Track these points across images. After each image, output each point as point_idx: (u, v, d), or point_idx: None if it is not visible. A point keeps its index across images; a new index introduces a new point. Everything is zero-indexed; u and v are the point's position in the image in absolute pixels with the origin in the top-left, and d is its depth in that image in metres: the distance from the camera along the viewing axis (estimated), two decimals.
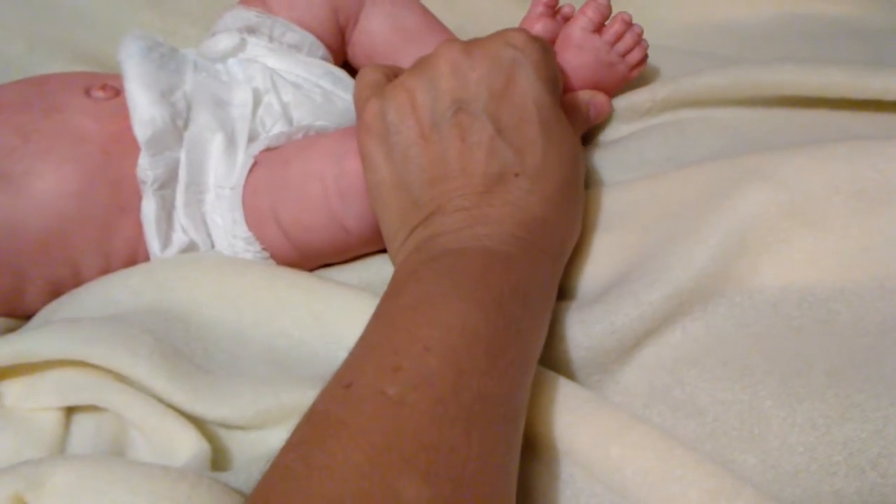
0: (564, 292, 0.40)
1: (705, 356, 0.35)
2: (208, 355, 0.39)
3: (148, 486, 0.29)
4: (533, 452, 0.34)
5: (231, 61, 0.50)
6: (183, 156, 0.44)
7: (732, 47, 0.57)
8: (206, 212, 0.45)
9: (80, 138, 0.44)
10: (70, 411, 0.36)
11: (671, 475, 0.31)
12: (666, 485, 0.31)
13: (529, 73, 0.39)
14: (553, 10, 0.51)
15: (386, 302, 0.34)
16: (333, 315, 0.40)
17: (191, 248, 0.44)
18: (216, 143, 0.45)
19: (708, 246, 0.37)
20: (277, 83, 0.48)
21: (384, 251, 0.45)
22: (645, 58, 0.50)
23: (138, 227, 0.44)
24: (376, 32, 0.53)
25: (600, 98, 0.48)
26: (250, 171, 0.44)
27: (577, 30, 0.48)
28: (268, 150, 0.45)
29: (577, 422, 0.33)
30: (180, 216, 0.44)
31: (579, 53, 0.48)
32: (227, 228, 0.44)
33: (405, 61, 0.45)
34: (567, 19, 0.50)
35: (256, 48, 0.51)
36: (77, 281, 0.44)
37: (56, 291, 0.44)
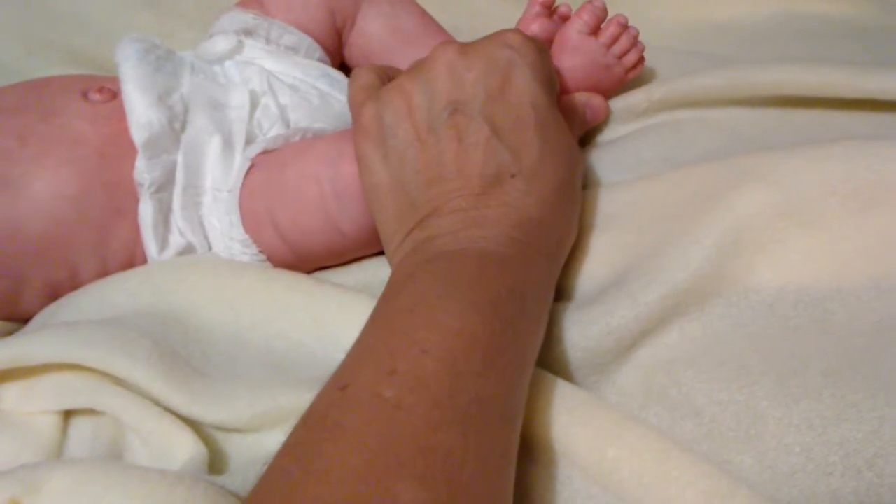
0: (561, 293, 0.40)
1: (702, 356, 0.35)
2: (206, 358, 0.39)
3: (144, 490, 0.29)
4: (530, 454, 0.34)
5: (228, 63, 0.50)
6: (180, 158, 0.44)
7: (729, 47, 0.57)
8: (203, 214, 0.45)
9: (76, 141, 0.44)
10: (67, 415, 0.36)
11: (667, 476, 0.31)
12: (662, 486, 0.31)
13: (526, 74, 0.39)
14: (549, 10, 0.51)
15: (382, 304, 0.34)
16: (331, 317, 0.40)
17: (188, 250, 0.44)
18: (213, 146, 0.45)
19: (704, 246, 0.37)
20: (274, 85, 0.48)
21: (380, 254, 0.45)
22: (641, 60, 0.50)
23: (135, 229, 0.44)
24: (373, 34, 0.53)
25: (597, 100, 0.48)
26: (247, 173, 0.44)
27: (573, 32, 0.48)
28: (265, 152, 0.45)
29: (574, 423, 0.33)
30: (177, 219, 0.44)
31: (575, 56, 0.48)
32: (224, 231, 0.44)
33: (402, 63, 0.45)
34: (564, 19, 0.50)
35: (253, 50, 0.51)
36: (74, 284, 0.44)
37: (53, 294, 0.44)
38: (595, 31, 0.49)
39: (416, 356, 0.30)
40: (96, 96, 0.46)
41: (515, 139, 0.38)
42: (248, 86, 0.48)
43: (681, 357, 0.36)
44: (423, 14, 0.54)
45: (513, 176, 0.37)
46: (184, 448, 0.34)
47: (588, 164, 0.46)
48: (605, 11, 0.49)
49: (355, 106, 0.41)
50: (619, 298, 0.36)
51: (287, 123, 0.48)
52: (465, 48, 0.40)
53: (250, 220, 0.44)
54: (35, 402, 0.36)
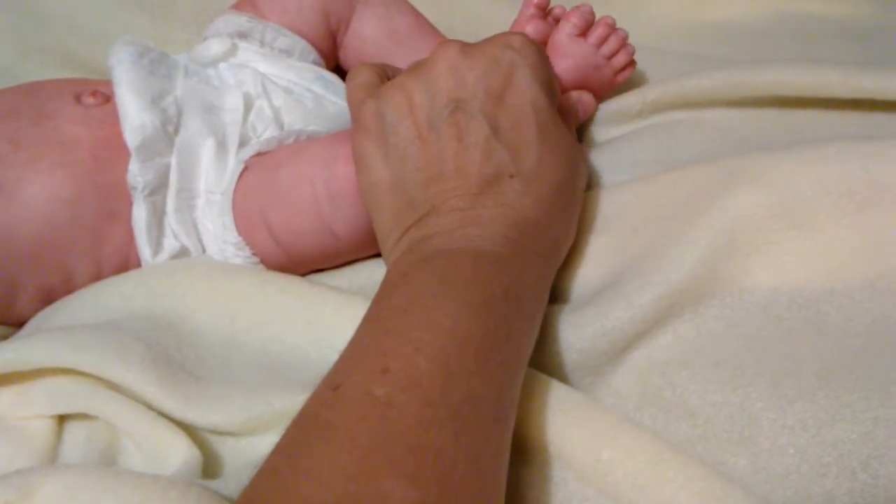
0: (555, 294, 0.40)
1: (696, 358, 0.35)
2: (200, 361, 0.39)
3: (137, 496, 0.29)
4: (525, 455, 0.34)
5: (222, 66, 0.50)
6: (173, 161, 0.44)
7: (725, 47, 0.57)
8: (196, 217, 0.45)
9: (70, 145, 0.44)
10: (62, 419, 0.36)
11: (662, 478, 0.31)
12: (657, 488, 0.31)
13: (527, 76, 0.39)
14: (544, 12, 0.51)
15: (377, 304, 0.34)
16: (325, 319, 0.40)
17: (182, 253, 0.44)
18: (207, 149, 0.45)
19: (698, 248, 0.37)
20: (268, 88, 0.48)
21: (375, 256, 0.45)
22: (632, 62, 0.50)
23: (129, 233, 0.44)
24: (368, 36, 0.53)
25: (587, 97, 0.49)
26: (241, 176, 0.44)
27: (563, 36, 0.49)
28: (259, 154, 0.45)
29: (568, 425, 0.33)
30: (171, 222, 0.44)
31: (566, 59, 0.49)
32: (218, 234, 0.44)
33: (397, 64, 0.45)
34: (558, 20, 0.51)
35: (248, 53, 0.50)
36: (69, 288, 0.44)
37: (48, 298, 0.44)
38: (584, 33, 0.49)
39: (408, 355, 0.29)
40: (90, 100, 0.46)
41: (515, 140, 0.38)
42: (241, 88, 0.48)
43: (675, 358, 0.36)
44: (418, 16, 0.54)
45: (511, 176, 0.37)
46: (178, 452, 0.34)
47: None
48: (592, 14, 0.49)
49: (355, 103, 0.41)
50: (613, 300, 0.36)
51: (281, 126, 0.48)
52: (467, 48, 0.40)
53: (244, 222, 0.44)
54: (29, 407, 0.36)
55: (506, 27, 0.49)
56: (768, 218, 0.37)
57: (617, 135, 0.49)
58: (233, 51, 0.50)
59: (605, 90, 0.50)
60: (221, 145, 0.45)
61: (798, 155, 0.38)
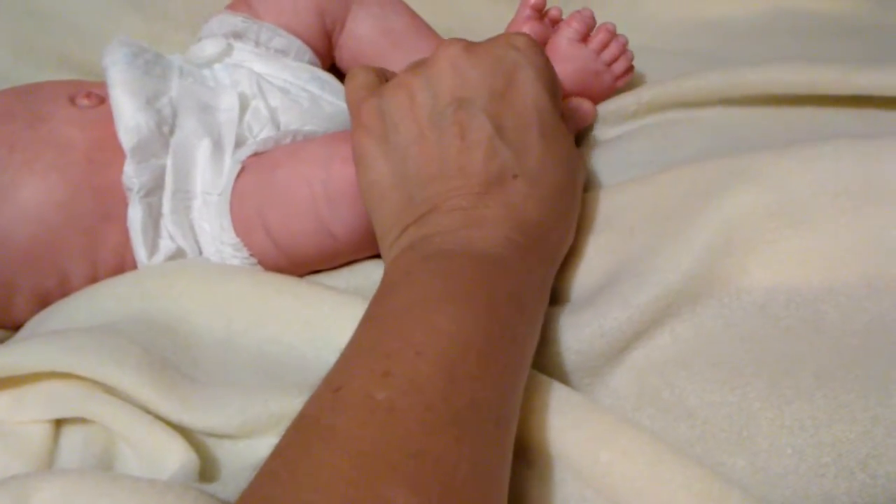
0: (553, 295, 0.39)
1: (694, 358, 0.35)
2: (197, 364, 0.38)
3: (134, 500, 0.29)
4: (524, 456, 0.33)
5: (217, 66, 0.50)
6: (169, 162, 0.44)
7: (722, 44, 0.57)
8: (193, 218, 0.45)
9: (65, 147, 0.43)
10: (58, 424, 0.36)
11: (660, 479, 0.31)
12: (655, 489, 0.30)
13: (530, 76, 0.39)
14: (540, 14, 0.51)
15: (377, 303, 0.34)
16: (323, 320, 0.40)
17: (178, 254, 0.44)
18: (203, 149, 0.45)
19: (695, 247, 0.37)
20: (264, 88, 0.48)
21: (373, 257, 0.44)
22: (631, 68, 0.51)
23: (125, 234, 0.44)
24: (363, 36, 0.53)
25: (586, 105, 0.49)
26: (238, 176, 0.44)
27: (564, 40, 0.49)
28: (255, 155, 0.45)
29: (567, 426, 0.33)
30: (167, 223, 0.44)
31: (566, 63, 0.49)
32: (215, 235, 0.44)
33: (393, 64, 0.45)
34: (554, 22, 0.51)
35: (243, 53, 0.50)
36: (64, 290, 0.44)
37: (44, 301, 0.44)
38: (585, 38, 0.50)
39: (410, 358, 0.29)
40: (84, 101, 0.46)
41: (518, 140, 0.38)
42: (237, 88, 0.48)
43: (673, 358, 0.35)
44: (414, 16, 0.54)
45: (515, 176, 0.37)
46: (175, 455, 0.34)
47: None
48: (593, 20, 0.50)
49: (355, 103, 0.41)
50: (611, 301, 0.36)
51: (277, 126, 0.48)
52: (470, 46, 0.40)
53: (241, 223, 0.44)
54: (25, 412, 0.36)
55: (502, 28, 0.49)
56: (765, 217, 0.37)
57: (613, 135, 0.49)
58: (228, 51, 0.50)
59: (604, 96, 0.51)
60: (217, 146, 0.45)
61: (795, 153, 0.38)
